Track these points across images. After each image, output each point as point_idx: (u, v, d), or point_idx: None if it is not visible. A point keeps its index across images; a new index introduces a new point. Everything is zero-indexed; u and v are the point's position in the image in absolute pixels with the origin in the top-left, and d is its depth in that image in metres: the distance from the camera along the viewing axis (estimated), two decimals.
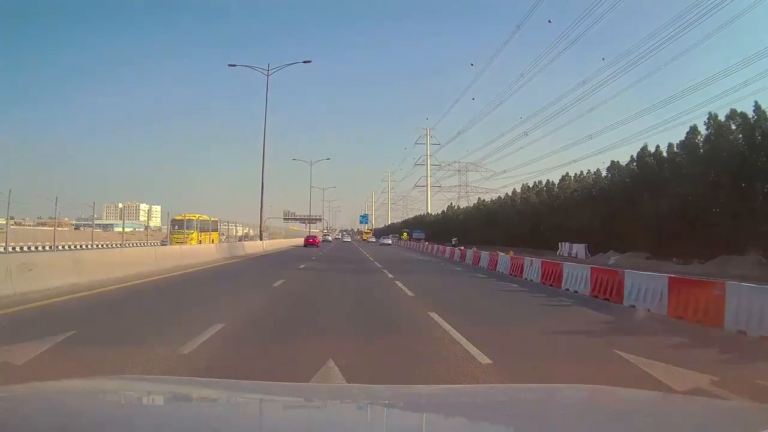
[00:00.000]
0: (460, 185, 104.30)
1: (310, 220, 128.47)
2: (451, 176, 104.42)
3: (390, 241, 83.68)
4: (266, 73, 38.28)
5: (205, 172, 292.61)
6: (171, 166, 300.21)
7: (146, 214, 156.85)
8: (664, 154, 29.97)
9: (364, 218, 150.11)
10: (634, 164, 32.10)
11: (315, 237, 65.30)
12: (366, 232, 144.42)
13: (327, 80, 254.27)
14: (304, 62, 39.51)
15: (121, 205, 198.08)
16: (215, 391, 2.35)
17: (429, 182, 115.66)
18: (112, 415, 1.86)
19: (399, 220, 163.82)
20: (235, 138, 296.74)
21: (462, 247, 35.19)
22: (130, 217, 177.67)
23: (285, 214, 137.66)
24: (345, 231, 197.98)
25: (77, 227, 52.27)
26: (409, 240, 79.66)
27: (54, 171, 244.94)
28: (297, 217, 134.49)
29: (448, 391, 2.77)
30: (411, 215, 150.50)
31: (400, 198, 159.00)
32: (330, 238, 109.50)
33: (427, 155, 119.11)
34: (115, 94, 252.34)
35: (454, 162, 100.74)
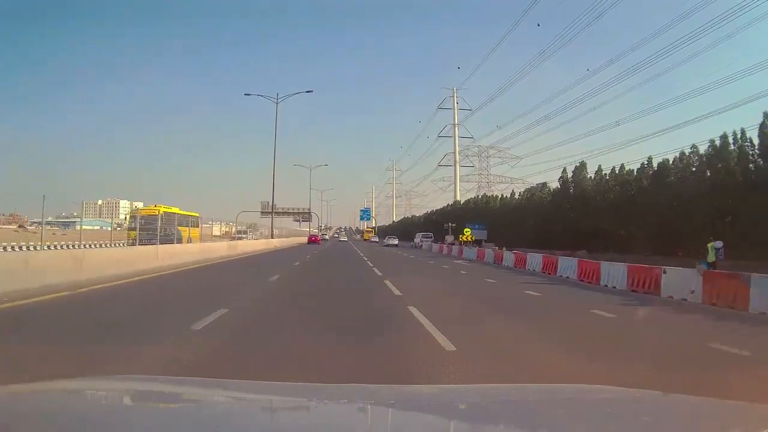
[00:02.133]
0: (480, 173, 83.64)
1: (298, 216, 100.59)
2: (464, 160, 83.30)
3: (396, 242, 70.10)
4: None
5: (197, 171, 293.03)
6: (160, 164, 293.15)
7: (127, 212, 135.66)
8: None
9: (365, 213, 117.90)
10: None
11: (317, 236, 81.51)
12: (367, 231, 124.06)
13: (324, 76, 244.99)
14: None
15: (100, 202, 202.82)
16: (215, 391, 2.31)
17: (457, 158, 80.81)
18: (112, 415, 1.87)
19: (399, 219, 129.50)
20: (227, 135, 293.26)
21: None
22: (110, 215, 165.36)
23: (263, 207, 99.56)
24: (341, 229, 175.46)
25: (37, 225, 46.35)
26: (454, 243, 45.32)
27: (42, 169, 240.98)
28: (279, 211, 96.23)
29: (448, 391, 2.76)
30: (413, 213, 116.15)
31: (401, 193, 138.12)
32: (327, 236, 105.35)
33: (454, 124, 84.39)
34: (104, 94, 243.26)
35: (475, 146, 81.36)
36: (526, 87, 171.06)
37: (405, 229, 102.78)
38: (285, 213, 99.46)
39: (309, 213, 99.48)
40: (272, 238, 51.32)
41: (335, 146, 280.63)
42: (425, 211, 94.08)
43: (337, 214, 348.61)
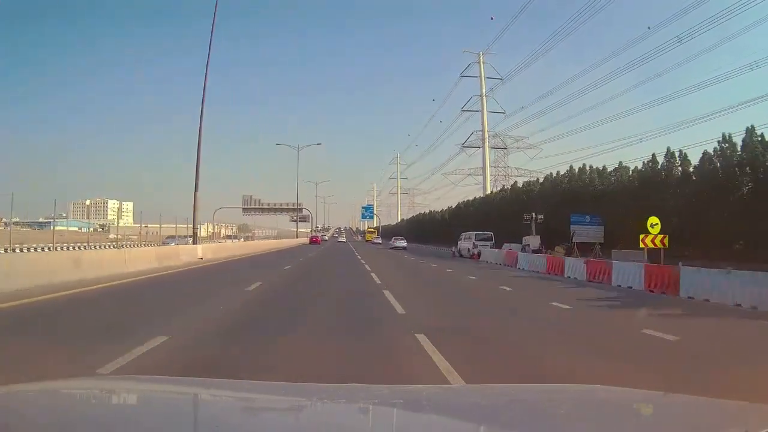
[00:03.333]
0: (497, 165, 67.84)
1: (295, 216, 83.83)
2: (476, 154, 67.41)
3: (404, 244, 57.27)
4: None
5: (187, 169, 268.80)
6: (155, 164, 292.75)
7: (115, 212, 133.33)
8: None
9: (368, 210, 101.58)
10: None
11: (318, 237, 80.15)
12: (369, 231, 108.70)
13: (324, 73, 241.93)
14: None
15: (88, 202, 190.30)
16: (215, 391, 2.30)
17: (486, 134, 62.84)
18: (112, 415, 1.87)
19: (403, 218, 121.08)
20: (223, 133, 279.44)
21: None
22: (98, 215, 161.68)
23: (245, 202, 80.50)
24: (340, 229, 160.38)
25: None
26: (541, 250, 30.42)
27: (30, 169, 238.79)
28: (264, 207, 77.29)
29: (448, 391, 2.75)
30: (417, 213, 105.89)
31: (404, 191, 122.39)
32: (326, 237, 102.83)
33: (481, 95, 69.33)
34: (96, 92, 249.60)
35: (492, 132, 64.80)
36: (549, 69, 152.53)
37: (415, 230, 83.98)
38: (270, 209, 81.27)
39: (301, 209, 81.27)
40: (195, 243, 26.48)
41: (334, 145, 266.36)
42: (447, 206, 74.93)
43: (336, 215, 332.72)
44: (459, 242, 40.15)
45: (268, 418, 1.90)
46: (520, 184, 49.64)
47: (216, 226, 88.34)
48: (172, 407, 1.96)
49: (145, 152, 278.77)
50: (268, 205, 79.64)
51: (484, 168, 62.84)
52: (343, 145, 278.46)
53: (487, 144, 63.27)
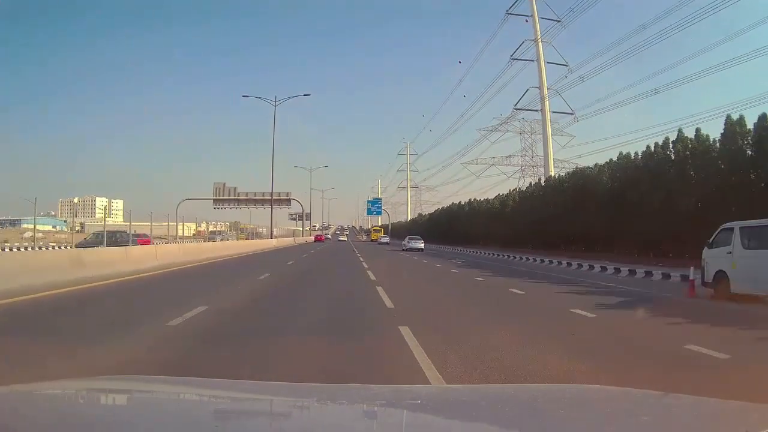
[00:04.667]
0: (524, 156, 54.44)
1: (294, 215, 74.70)
2: (507, 138, 55.23)
3: (422, 245, 44.94)
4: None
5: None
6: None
7: (104, 210, 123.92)
8: None
9: (375, 204, 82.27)
10: None
11: (322, 236, 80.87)
12: (375, 230, 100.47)
13: (325, 69, 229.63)
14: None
15: (76, 200, 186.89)
16: (215, 391, 2.28)
17: (545, 91, 38.68)
18: (112, 415, 1.88)
19: (415, 215, 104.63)
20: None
21: None
22: (86, 213, 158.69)
23: (217, 192, 57.49)
24: (342, 228, 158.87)
25: None
26: None
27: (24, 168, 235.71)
28: (241, 198, 53.43)
29: (449, 391, 2.72)
30: (423, 211, 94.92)
31: (412, 184, 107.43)
32: (329, 235, 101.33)
33: (536, 39, 52.02)
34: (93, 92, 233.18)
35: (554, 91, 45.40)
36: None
37: (438, 228, 65.31)
38: (249, 200, 62.37)
39: (289, 199, 62.60)
40: None
41: (335, 145, 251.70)
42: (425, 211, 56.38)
43: (339, 214, 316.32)
44: (720, 254, 12.07)
45: (268, 419, 1.91)
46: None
47: (208, 224, 68.15)
48: (171, 407, 1.96)
49: (141, 151, 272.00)
50: (246, 195, 60.95)
51: (544, 137, 44.38)
52: (344, 144, 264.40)
53: (547, 103, 44.26)
